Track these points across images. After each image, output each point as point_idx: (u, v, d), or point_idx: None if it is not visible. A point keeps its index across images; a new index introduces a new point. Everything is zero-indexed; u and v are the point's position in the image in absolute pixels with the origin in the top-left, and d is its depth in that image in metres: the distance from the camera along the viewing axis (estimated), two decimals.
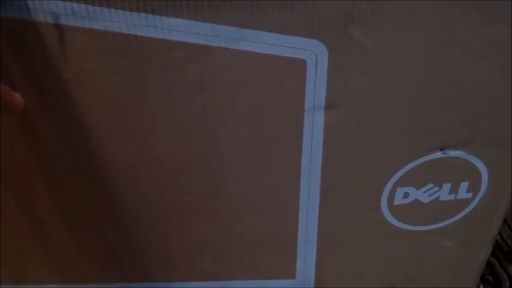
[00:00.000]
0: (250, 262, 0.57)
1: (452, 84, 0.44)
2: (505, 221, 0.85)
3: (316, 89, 0.43)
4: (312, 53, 0.41)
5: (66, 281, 0.57)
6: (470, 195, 0.53)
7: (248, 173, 0.49)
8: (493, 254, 0.79)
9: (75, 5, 0.36)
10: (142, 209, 0.51)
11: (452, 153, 0.49)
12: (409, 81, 0.43)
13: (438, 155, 0.49)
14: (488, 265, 0.78)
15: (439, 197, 0.53)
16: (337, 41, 0.40)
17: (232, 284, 0.59)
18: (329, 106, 0.44)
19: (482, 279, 0.76)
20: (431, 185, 0.52)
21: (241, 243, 0.55)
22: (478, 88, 0.45)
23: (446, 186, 0.52)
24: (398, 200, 0.53)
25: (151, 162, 0.47)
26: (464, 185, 0.52)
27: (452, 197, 0.53)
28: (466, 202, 0.54)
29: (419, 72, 0.43)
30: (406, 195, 0.52)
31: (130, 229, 0.53)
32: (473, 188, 0.53)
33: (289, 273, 0.58)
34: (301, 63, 0.41)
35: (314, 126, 0.45)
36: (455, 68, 0.43)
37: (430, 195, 0.53)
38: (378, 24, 0.40)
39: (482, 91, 0.45)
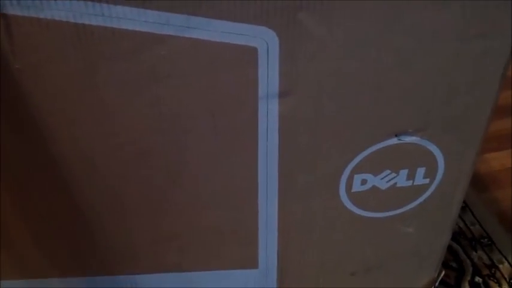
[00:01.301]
0: (213, 253, 0.57)
1: (405, 71, 0.45)
2: (468, 208, 0.87)
3: (269, 77, 0.43)
4: (263, 41, 0.41)
5: (27, 275, 0.57)
6: (427, 181, 0.54)
7: (206, 163, 0.49)
8: (456, 241, 0.80)
9: None
10: (103, 201, 0.51)
11: (408, 139, 0.50)
12: (362, 69, 0.44)
13: (394, 141, 0.50)
14: (452, 252, 0.79)
15: (396, 183, 0.54)
16: (288, 28, 0.41)
17: (195, 275, 0.59)
18: (283, 94, 0.44)
19: (446, 265, 0.77)
20: (388, 171, 0.52)
21: (203, 234, 0.55)
22: (431, 74, 0.45)
23: (403, 173, 0.53)
24: (357, 187, 0.53)
25: (109, 153, 0.47)
26: (421, 171, 0.53)
27: (409, 183, 0.54)
28: (423, 188, 0.55)
29: (372, 60, 0.43)
30: (363, 182, 0.53)
31: (92, 222, 0.53)
32: (430, 173, 0.53)
33: (252, 263, 0.59)
34: (253, 51, 0.41)
35: (269, 115, 0.45)
36: (407, 55, 0.43)
37: (387, 181, 0.53)
38: (328, 12, 0.40)
39: (435, 77, 0.45)
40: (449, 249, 0.79)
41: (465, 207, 0.86)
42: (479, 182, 0.92)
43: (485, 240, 0.81)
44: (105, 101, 0.43)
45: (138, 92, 0.43)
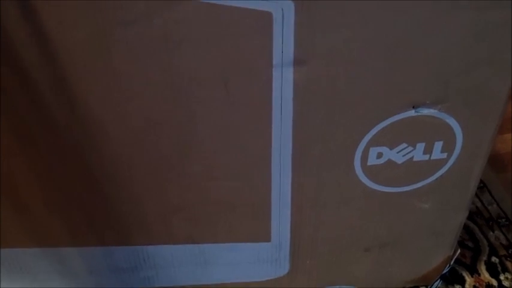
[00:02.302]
0: (224, 225, 0.57)
1: (422, 39, 0.43)
2: (486, 187, 0.85)
3: (283, 44, 0.42)
4: (278, 6, 0.40)
5: (40, 243, 0.57)
6: (444, 155, 0.53)
7: (218, 133, 0.48)
8: (473, 220, 0.79)
9: None
10: (113, 170, 0.50)
11: (426, 111, 0.49)
12: (380, 38, 0.42)
13: (411, 113, 0.49)
14: (468, 231, 0.78)
15: (413, 157, 0.53)
16: None
17: (207, 247, 0.59)
18: (298, 62, 0.43)
19: (462, 244, 0.76)
20: (405, 145, 0.51)
21: (215, 206, 0.55)
22: (449, 44, 0.44)
23: (420, 146, 0.52)
24: (372, 161, 0.52)
25: (120, 121, 0.46)
26: (438, 145, 0.52)
27: (426, 157, 0.53)
28: (440, 162, 0.54)
29: (390, 29, 0.42)
30: (379, 155, 0.52)
31: (104, 190, 0.52)
32: (448, 147, 0.52)
33: (264, 236, 0.58)
34: (267, 16, 0.40)
35: (283, 83, 0.44)
36: (425, 23, 0.42)
37: (404, 155, 0.52)
38: None
39: (453, 47, 0.44)
40: (466, 228, 0.78)
41: (483, 186, 0.85)
42: (498, 162, 0.90)
43: (503, 220, 0.80)
44: (116, 67, 0.42)
45: (150, 59, 0.42)
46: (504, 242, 0.76)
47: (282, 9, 0.40)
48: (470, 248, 0.76)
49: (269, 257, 0.61)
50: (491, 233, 0.78)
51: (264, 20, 0.41)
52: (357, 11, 0.40)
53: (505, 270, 0.73)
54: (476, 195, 0.83)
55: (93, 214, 0.55)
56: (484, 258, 0.74)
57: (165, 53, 0.42)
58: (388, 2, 0.40)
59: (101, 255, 0.58)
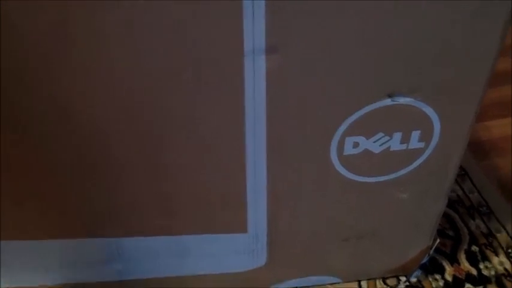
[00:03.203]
0: (200, 216, 0.56)
1: (396, 27, 0.42)
2: (467, 175, 0.85)
3: (254, 31, 0.41)
4: None
5: (11, 237, 0.55)
6: (422, 144, 0.52)
7: (190, 123, 0.47)
8: (454, 209, 0.79)
9: None
10: (87, 162, 0.49)
11: (402, 100, 0.48)
12: (353, 25, 0.41)
13: (387, 102, 0.48)
14: (449, 220, 0.77)
15: (390, 146, 0.52)
16: None
17: (184, 239, 0.58)
18: (270, 50, 0.42)
19: (442, 233, 0.75)
20: (381, 134, 0.51)
21: (189, 197, 0.54)
22: (422, 32, 0.43)
23: (397, 135, 0.51)
24: (348, 150, 0.51)
25: (89, 111, 0.45)
26: (415, 134, 0.51)
27: (404, 146, 0.52)
28: (418, 152, 0.53)
29: (363, 16, 0.41)
30: (356, 144, 0.51)
31: (74, 183, 0.51)
32: (425, 137, 0.52)
33: (240, 227, 0.57)
34: (237, 4, 0.39)
35: (255, 72, 0.43)
36: (398, 11, 0.41)
37: (380, 144, 0.51)
38: None
39: (427, 35, 0.43)
40: (446, 217, 0.78)
41: (464, 174, 0.84)
42: (479, 150, 0.90)
43: (484, 208, 0.80)
44: (83, 54, 0.40)
45: (116, 45, 0.40)
46: (484, 230, 0.76)
47: None
48: (451, 237, 0.75)
49: (246, 248, 0.60)
50: (472, 221, 0.77)
51: (233, 7, 0.39)
52: None
53: (484, 259, 0.72)
54: (457, 183, 0.83)
55: (64, 206, 0.53)
56: (464, 247, 0.74)
57: (131, 38, 0.40)
58: None
59: (73, 247, 0.57)
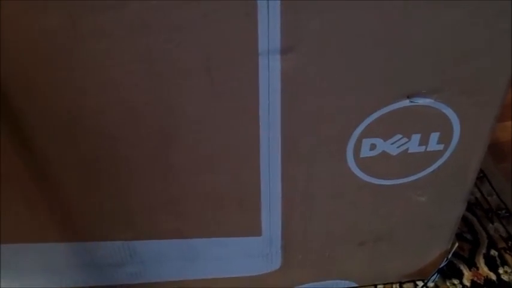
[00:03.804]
0: (213, 219, 0.55)
1: (416, 26, 0.41)
2: (486, 177, 0.83)
3: (269, 31, 0.40)
4: None
5: (25, 240, 0.55)
6: (441, 146, 0.51)
7: (203, 125, 0.46)
8: (472, 212, 0.77)
9: None
10: (98, 162, 0.48)
11: (421, 101, 0.46)
12: (370, 23, 0.40)
13: (406, 103, 0.46)
14: (467, 223, 0.76)
15: (408, 149, 0.50)
16: None
17: (195, 242, 0.57)
18: (285, 50, 0.41)
19: (460, 237, 0.74)
20: (399, 136, 0.49)
21: (201, 200, 0.53)
22: (443, 32, 0.41)
23: (416, 137, 0.50)
24: (365, 152, 0.50)
25: (99, 112, 0.44)
26: (434, 136, 0.50)
27: (422, 148, 0.51)
28: (437, 154, 0.52)
29: (381, 16, 0.40)
30: (373, 147, 0.49)
31: (87, 186, 0.50)
32: (445, 139, 0.50)
33: (255, 230, 0.56)
34: (252, 3, 0.38)
35: (270, 72, 0.42)
36: (420, 13, 0.40)
37: (398, 146, 0.50)
38: None
39: (448, 35, 0.42)
40: (465, 220, 0.76)
41: (483, 176, 0.83)
42: (498, 151, 0.88)
43: (503, 211, 0.78)
44: (91, 55, 0.40)
45: (127, 46, 0.39)
46: (504, 234, 0.74)
47: None
48: (469, 241, 0.74)
49: (260, 251, 0.59)
50: (490, 224, 0.76)
51: (248, 7, 0.38)
52: None
53: (504, 263, 0.71)
54: (476, 185, 0.81)
55: (77, 209, 0.53)
56: (483, 251, 0.72)
57: (143, 39, 0.39)
58: None
59: (84, 250, 0.56)
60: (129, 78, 0.41)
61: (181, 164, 0.49)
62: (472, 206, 0.78)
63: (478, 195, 0.80)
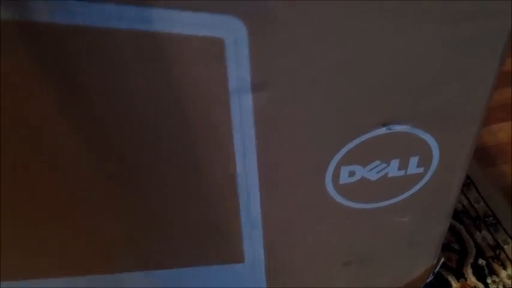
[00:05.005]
0: (194, 248, 0.54)
1: (387, 57, 0.41)
2: (473, 184, 0.83)
3: (239, 70, 0.39)
4: (230, 31, 0.37)
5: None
6: (421, 169, 0.50)
7: (178, 164, 0.45)
8: (459, 220, 0.77)
9: None
10: (64, 197, 0.48)
11: (398, 128, 0.46)
12: (340, 57, 0.39)
13: (383, 130, 0.46)
14: (454, 232, 0.76)
15: (387, 173, 0.50)
16: (256, 17, 0.36)
17: (178, 273, 0.56)
18: (256, 88, 0.40)
19: (448, 247, 0.74)
20: (378, 162, 0.49)
21: (181, 230, 0.52)
22: (416, 61, 0.41)
23: (395, 162, 0.49)
24: (344, 179, 0.50)
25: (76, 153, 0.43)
26: (414, 160, 0.49)
27: (402, 172, 0.50)
28: (417, 177, 0.51)
29: (349, 47, 0.39)
30: (352, 173, 0.49)
31: (64, 222, 0.50)
32: (424, 162, 0.50)
33: (237, 257, 0.56)
34: (219, 42, 0.37)
35: (242, 109, 0.42)
36: (388, 41, 0.39)
37: (377, 172, 0.50)
38: None
39: (421, 63, 0.41)
40: (451, 229, 0.76)
41: (469, 183, 0.82)
42: (485, 156, 0.87)
43: (490, 219, 0.78)
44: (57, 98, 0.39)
45: (95, 88, 0.39)
46: (491, 242, 0.74)
47: (234, 35, 0.37)
48: (457, 251, 0.74)
49: (244, 277, 0.59)
50: (478, 233, 0.76)
51: (215, 47, 0.38)
52: (317, 32, 0.37)
53: (491, 273, 0.71)
54: (463, 192, 0.81)
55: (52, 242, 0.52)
56: (471, 260, 0.72)
57: (111, 83, 0.39)
58: (349, 22, 0.37)
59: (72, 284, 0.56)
60: (97, 124, 0.41)
61: (158, 196, 0.49)
62: (460, 214, 0.78)
63: (465, 202, 0.80)
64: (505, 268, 0.71)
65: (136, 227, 0.52)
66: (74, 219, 0.50)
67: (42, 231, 0.50)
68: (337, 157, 0.47)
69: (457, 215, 0.78)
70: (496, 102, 0.91)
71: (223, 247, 0.55)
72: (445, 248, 0.72)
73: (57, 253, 0.53)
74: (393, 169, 0.50)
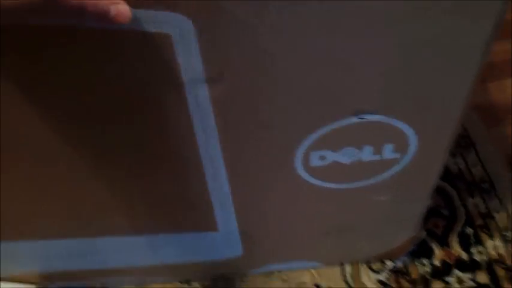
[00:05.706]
0: (169, 217, 0.55)
1: (362, 49, 0.38)
2: (473, 146, 0.80)
3: (191, 63, 0.37)
4: (176, 28, 0.35)
5: None
6: (397, 155, 0.49)
7: (145, 144, 0.45)
8: (453, 184, 0.75)
9: None
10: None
11: (370, 117, 0.44)
12: (308, 48, 0.38)
13: (353, 120, 0.44)
14: (446, 197, 0.74)
15: (361, 158, 0.48)
16: (205, 14, 0.34)
17: (155, 237, 0.57)
18: (211, 80, 0.39)
19: (437, 212, 0.72)
20: (349, 148, 0.47)
21: (157, 202, 0.52)
22: (394, 52, 0.38)
23: (368, 148, 0.48)
24: (315, 162, 0.48)
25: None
26: (388, 147, 0.48)
27: (376, 157, 0.49)
28: (393, 161, 0.50)
29: (322, 36, 0.37)
30: (322, 157, 0.48)
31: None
32: (400, 149, 0.48)
33: (211, 227, 0.56)
34: (167, 38, 0.36)
35: (199, 99, 0.40)
36: (357, 35, 0.37)
37: (350, 157, 0.48)
38: None
39: (399, 55, 0.39)
40: (443, 194, 0.74)
41: (470, 145, 0.79)
42: (492, 114, 0.83)
43: (486, 184, 0.76)
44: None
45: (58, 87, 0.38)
46: (483, 209, 0.73)
47: (181, 31, 0.35)
48: (445, 217, 0.72)
49: (220, 243, 0.59)
50: (470, 199, 0.74)
51: (165, 42, 0.36)
52: (274, 24, 0.35)
53: (478, 242, 0.70)
54: (461, 154, 0.78)
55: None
56: (458, 228, 0.71)
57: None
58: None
59: (56, 246, 0.57)
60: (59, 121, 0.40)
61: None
62: (454, 177, 0.76)
63: (462, 165, 0.78)
64: (492, 238, 0.70)
65: (110, 194, 0.52)
66: (54, 186, 0.50)
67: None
68: (306, 143, 0.46)
69: (451, 178, 0.76)
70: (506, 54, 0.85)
71: (194, 215, 0.55)
72: (434, 213, 0.71)
73: (35, 217, 0.54)
74: (366, 154, 0.48)
